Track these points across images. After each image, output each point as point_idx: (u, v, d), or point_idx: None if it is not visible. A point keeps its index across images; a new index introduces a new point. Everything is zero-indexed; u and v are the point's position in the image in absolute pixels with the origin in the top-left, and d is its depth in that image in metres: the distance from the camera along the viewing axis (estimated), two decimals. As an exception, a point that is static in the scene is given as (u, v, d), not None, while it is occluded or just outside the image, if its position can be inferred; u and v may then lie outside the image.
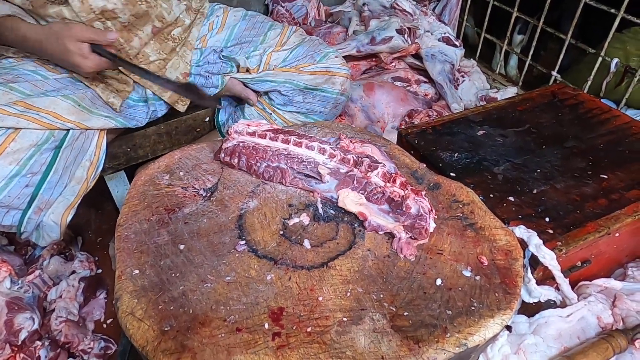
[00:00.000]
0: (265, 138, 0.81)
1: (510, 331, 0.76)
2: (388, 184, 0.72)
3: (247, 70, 1.14)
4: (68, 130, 0.89)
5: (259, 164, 0.78)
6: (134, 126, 1.07)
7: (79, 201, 0.93)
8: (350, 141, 0.81)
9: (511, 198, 0.85)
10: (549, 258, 0.72)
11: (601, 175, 0.90)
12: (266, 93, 1.18)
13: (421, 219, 0.67)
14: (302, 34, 1.22)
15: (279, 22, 1.25)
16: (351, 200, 0.72)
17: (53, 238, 0.91)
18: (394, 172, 0.74)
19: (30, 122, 0.83)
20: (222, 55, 1.15)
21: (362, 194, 0.73)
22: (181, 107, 1.14)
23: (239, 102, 1.24)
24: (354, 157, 0.76)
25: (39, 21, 0.90)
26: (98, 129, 0.96)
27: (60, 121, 0.87)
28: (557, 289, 0.78)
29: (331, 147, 0.78)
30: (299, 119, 1.18)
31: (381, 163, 0.75)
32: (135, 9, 0.95)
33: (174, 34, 1.06)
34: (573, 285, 0.83)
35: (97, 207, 1.40)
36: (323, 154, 0.77)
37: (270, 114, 1.18)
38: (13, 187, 0.82)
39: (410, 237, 0.67)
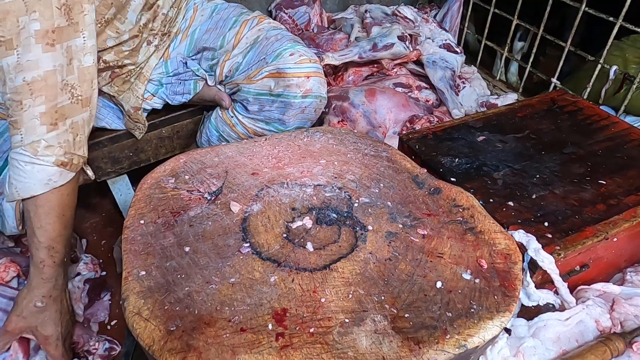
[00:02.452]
0: None
1: (509, 334, 0.76)
2: None
3: None
4: None
5: None
6: (102, 127, 1.11)
7: None
8: None
9: (510, 203, 0.86)
10: (547, 262, 0.73)
11: (599, 181, 0.91)
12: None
13: None
14: (260, 30, 1.07)
15: (252, 12, 1.12)
16: None
17: (11, 225, 0.90)
18: None
19: None
20: (187, 67, 1.11)
21: None
22: (137, 133, 1.14)
23: (209, 109, 1.20)
24: None
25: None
26: None
27: None
28: (556, 292, 0.79)
29: None
30: (261, 127, 1.09)
31: None
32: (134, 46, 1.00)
33: (129, 69, 1.05)
34: (572, 289, 0.84)
35: (100, 210, 1.42)
36: None
37: (236, 124, 1.11)
38: None
39: None
